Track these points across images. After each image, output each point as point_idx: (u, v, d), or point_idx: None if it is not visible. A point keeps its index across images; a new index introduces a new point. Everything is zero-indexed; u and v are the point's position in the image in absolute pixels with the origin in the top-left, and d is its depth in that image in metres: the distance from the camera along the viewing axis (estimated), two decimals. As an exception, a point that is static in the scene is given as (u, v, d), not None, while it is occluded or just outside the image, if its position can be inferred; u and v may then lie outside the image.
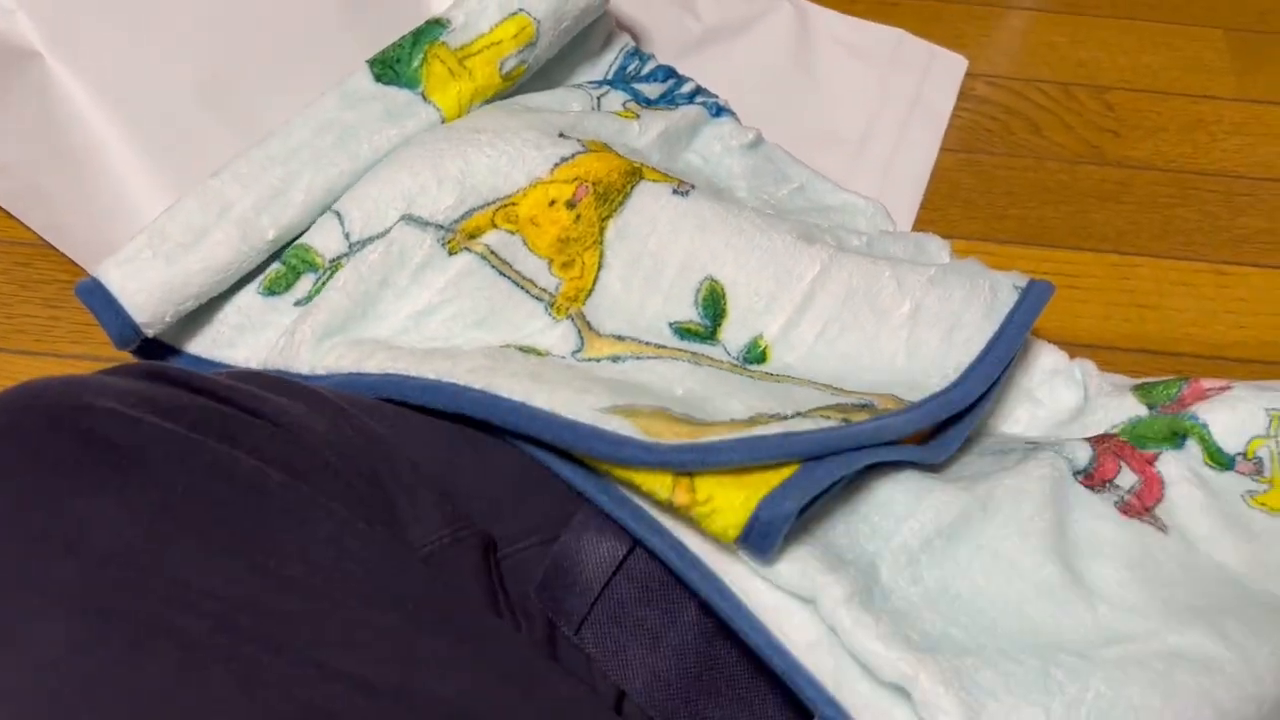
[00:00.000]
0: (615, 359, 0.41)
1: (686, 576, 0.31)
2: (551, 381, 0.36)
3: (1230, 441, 0.42)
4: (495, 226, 0.44)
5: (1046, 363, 0.48)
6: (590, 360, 0.41)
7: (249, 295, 0.44)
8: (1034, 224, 0.57)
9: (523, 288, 0.43)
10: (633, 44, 0.57)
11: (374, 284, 0.42)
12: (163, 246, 0.43)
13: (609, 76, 0.56)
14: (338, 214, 0.45)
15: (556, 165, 0.45)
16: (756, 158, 0.53)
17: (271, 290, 0.44)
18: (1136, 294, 0.55)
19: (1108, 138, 0.61)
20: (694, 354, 0.42)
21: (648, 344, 0.42)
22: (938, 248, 0.50)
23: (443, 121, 0.48)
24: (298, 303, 0.44)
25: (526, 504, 0.34)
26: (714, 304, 0.43)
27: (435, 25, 0.49)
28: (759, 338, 0.43)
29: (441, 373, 0.37)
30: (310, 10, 0.52)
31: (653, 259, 0.43)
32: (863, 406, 0.38)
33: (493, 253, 0.43)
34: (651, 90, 0.55)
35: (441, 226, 0.43)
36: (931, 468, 0.40)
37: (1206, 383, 0.45)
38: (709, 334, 0.43)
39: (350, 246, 0.44)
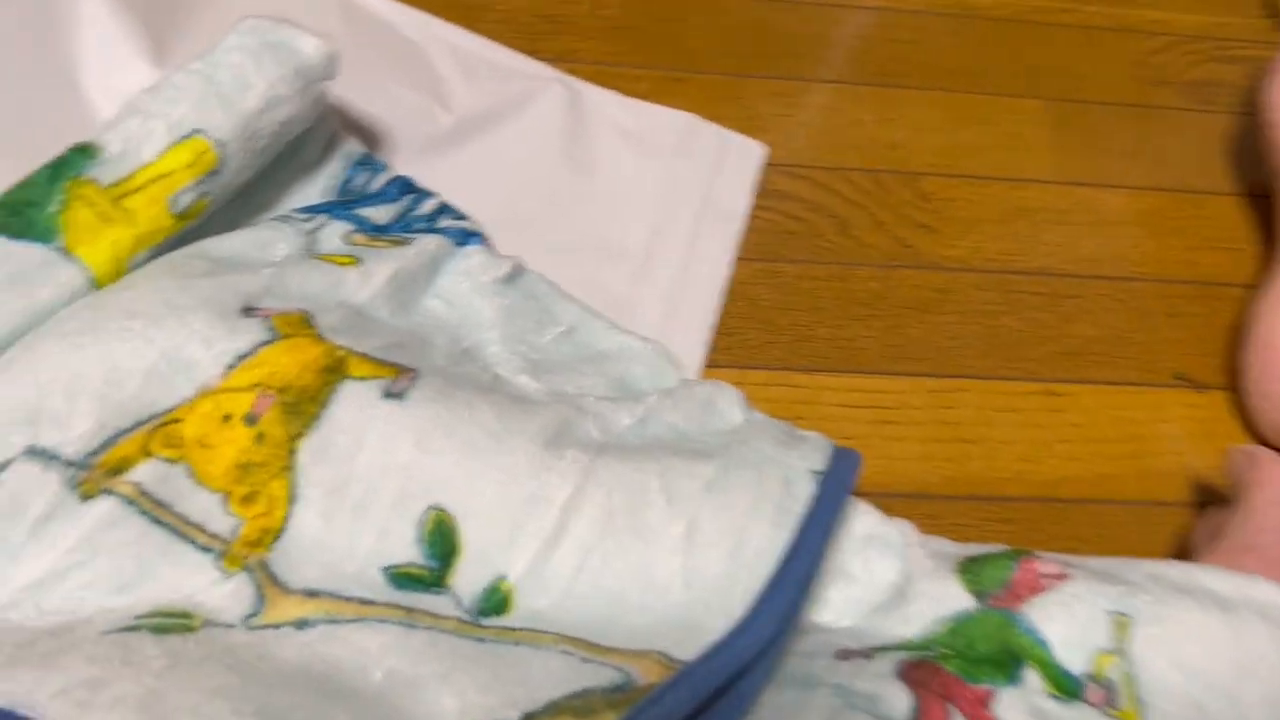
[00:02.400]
0: (301, 624, 0.31)
1: None
2: (173, 710, 0.26)
3: (1074, 658, 0.35)
4: (149, 455, 0.33)
5: (859, 527, 0.40)
6: (266, 628, 0.31)
7: None
8: (844, 346, 0.50)
9: (186, 536, 0.32)
10: (360, 150, 0.47)
11: None
12: None
13: (330, 196, 0.45)
14: None
15: (231, 367, 0.34)
16: (514, 296, 0.43)
17: None
18: (960, 426, 0.49)
19: (923, 235, 0.54)
20: (409, 610, 0.32)
21: (350, 599, 0.32)
22: (729, 404, 0.41)
23: (93, 285, 0.37)
24: None
25: None
26: (442, 540, 0.34)
27: (80, 154, 0.38)
28: (501, 580, 0.33)
29: (9, 698, 0.27)
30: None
31: (363, 486, 0.34)
32: (615, 691, 0.29)
33: (144, 494, 0.32)
34: (382, 213, 0.45)
35: (72, 463, 0.32)
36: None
37: (1041, 565, 0.38)
38: (436, 579, 0.33)
39: None
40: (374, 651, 0.30)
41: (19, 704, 0.26)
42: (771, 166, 0.55)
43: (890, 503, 0.45)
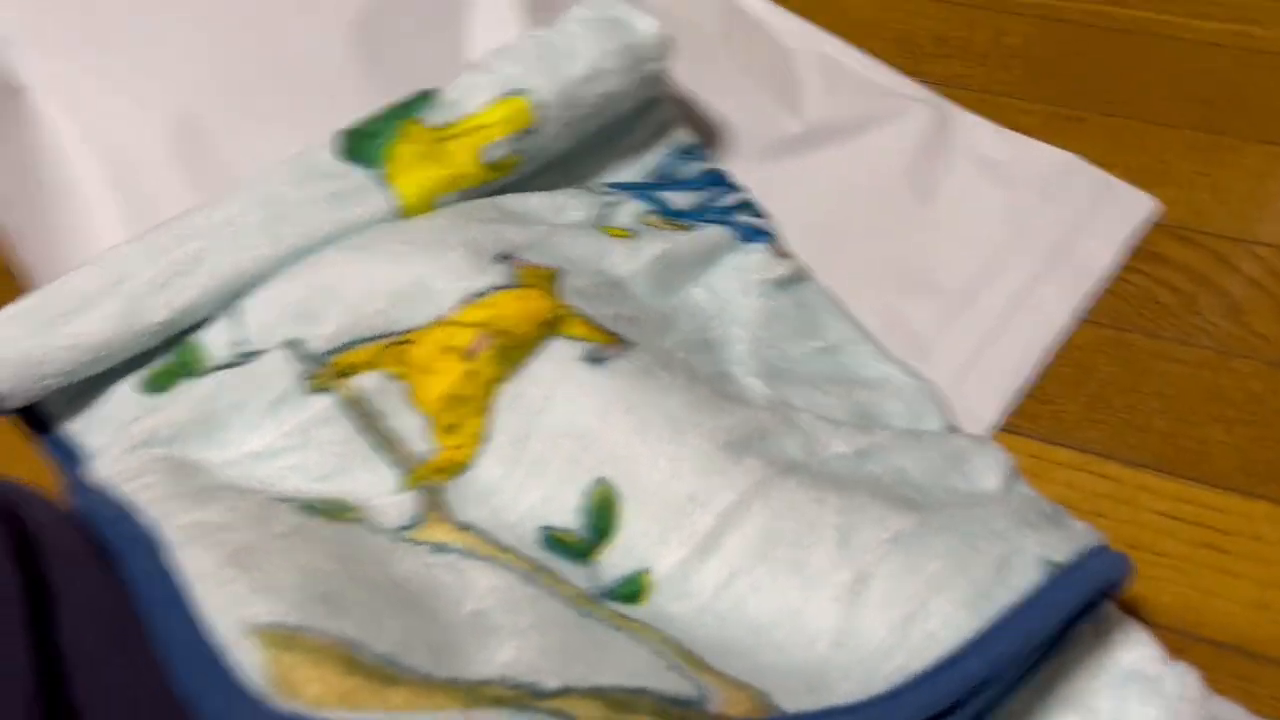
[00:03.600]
0: (438, 548, 0.32)
1: None
2: (253, 563, 0.27)
3: None
4: (377, 367, 0.35)
5: (1126, 658, 0.33)
6: (408, 543, 0.32)
7: (125, 388, 0.39)
8: (1189, 447, 0.41)
9: (386, 449, 0.34)
10: (688, 141, 0.47)
11: (225, 405, 0.35)
12: (41, 314, 0.38)
13: (644, 178, 0.46)
14: (239, 313, 0.38)
15: (465, 302, 0.36)
16: (783, 301, 0.41)
17: (151, 387, 0.38)
18: (1324, 579, 0.37)
19: (1347, 338, 0.43)
20: (538, 567, 0.31)
21: (493, 542, 0.32)
22: (986, 467, 0.35)
23: (399, 213, 0.41)
24: None
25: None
26: (603, 515, 0.32)
27: (422, 99, 0.42)
28: (643, 574, 0.31)
29: (157, 518, 0.29)
30: (316, 50, 0.46)
31: (542, 443, 0.33)
32: (675, 703, 0.26)
33: (360, 399, 0.35)
34: (683, 199, 0.44)
35: (310, 356, 0.36)
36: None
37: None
38: (584, 551, 0.32)
39: (238, 359, 0.37)
40: (479, 589, 0.30)
41: (153, 525, 0.29)
42: (1160, 228, 0.47)
43: (1189, 646, 0.36)
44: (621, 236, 0.40)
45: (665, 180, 0.45)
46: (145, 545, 0.28)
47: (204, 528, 0.29)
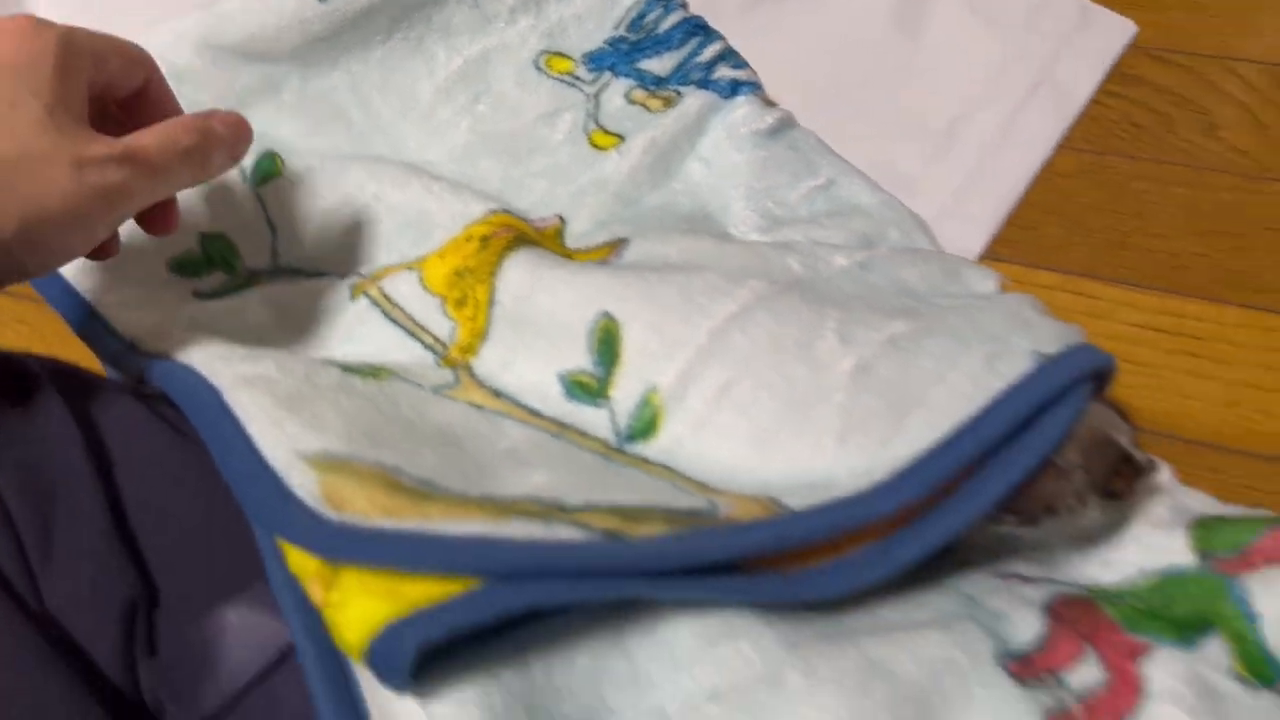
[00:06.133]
0: (475, 407, 0.34)
1: (323, 707, 0.25)
2: (301, 407, 0.30)
3: (1281, 643, 0.29)
4: (403, 267, 0.38)
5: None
6: (447, 399, 0.35)
7: (156, 260, 0.41)
8: (1166, 260, 0.42)
9: (415, 335, 0.37)
10: (659, -18, 0.47)
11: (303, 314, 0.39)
12: None
13: (619, 29, 0.47)
14: (272, 226, 0.41)
15: (494, 211, 0.39)
16: (775, 148, 0.42)
17: (180, 269, 0.41)
18: (1292, 376, 0.40)
19: (1320, 146, 0.44)
20: (562, 426, 0.34)
21: (523, 406, 0.35)
22: (980, 278, 0.37)
23: None
24: (197, 294, 0.40)
25: (216, 557, 0.29)
26: (608, 346, 0.35)
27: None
28: (652, 393, 0.34)
29: (209, 363, 0.32)
30: None
31: (548, 294, 0.36)
32: (682, 513, 0.29)
33: (384, 295, 0.38)
34: (664, 63, 0.45)
35: (360, 274, 0.39)
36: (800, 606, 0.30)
37: (1292, 536, 0.31)
38: (600, 389, 0.34)
39: (276, 268, 0.40)
40: (512, 435, 0.33)
41: (198, 365, 0.32)
42: (1138, 49, 0.47)
43: (1165, 444, 0.39)
44: (609, 146, 0.42)
45: (643, 37, 0.46)
46: (206, 389, 0.31)
47: (256, 378, 0.31)
